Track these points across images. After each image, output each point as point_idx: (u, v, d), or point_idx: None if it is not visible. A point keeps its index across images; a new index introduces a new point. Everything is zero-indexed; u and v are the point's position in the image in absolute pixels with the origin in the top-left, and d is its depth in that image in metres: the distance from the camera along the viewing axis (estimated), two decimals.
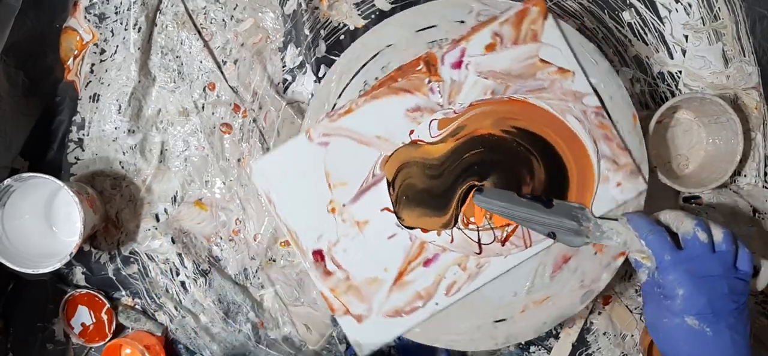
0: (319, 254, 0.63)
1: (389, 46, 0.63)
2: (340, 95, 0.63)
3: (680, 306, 0.54)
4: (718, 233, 0.56)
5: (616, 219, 0.61)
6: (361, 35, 0.64)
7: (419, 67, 0.61)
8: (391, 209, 0.62)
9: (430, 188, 0.62)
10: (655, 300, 0.57)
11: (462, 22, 0.63)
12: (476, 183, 0.62)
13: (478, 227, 0.62)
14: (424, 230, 0.62)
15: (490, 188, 0.62)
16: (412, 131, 0.62)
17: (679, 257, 0.55)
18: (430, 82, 0.61)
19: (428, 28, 0.63)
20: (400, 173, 0.62)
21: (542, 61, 0.61)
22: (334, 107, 0.63)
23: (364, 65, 0.63)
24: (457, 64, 0.61)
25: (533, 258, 0.62)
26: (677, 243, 0.57)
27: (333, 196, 0.62)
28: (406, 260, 0.62)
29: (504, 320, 0.63)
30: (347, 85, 0.63)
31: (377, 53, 0.63)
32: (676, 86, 0.72)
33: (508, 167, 0.62)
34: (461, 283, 0.62)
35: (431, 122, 0.62)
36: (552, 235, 0.61)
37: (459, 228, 0.62)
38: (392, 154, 0.62)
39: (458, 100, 0.62)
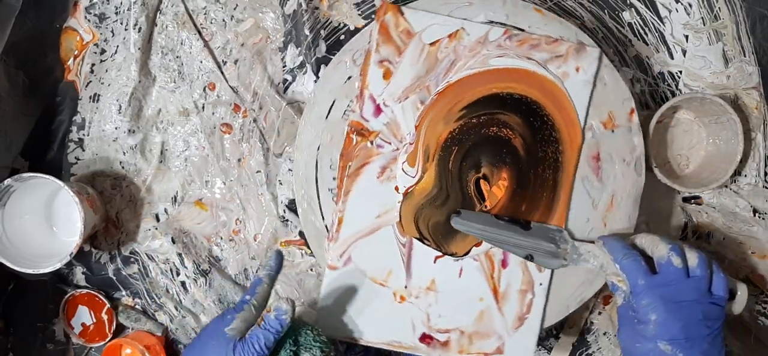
0: (426, 338, 0.64)
1: (319, 148, 0.64)
2: (322, 217, 0.64)
3: (653, 331, 0.54)
4: (692, 258, 0.56)
5: (593, 242, 0.61)
6: (293, 163, 0.66)
7: (354, 142, 0.62)
8: (441, 253, 0.63)
9: (451, 210, 0.63)
10: (629, 324, 0.57)
11: (349, 78, 0.64)
12: (477, 175, 0.63)
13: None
14: (478, 245, 0.63)
15: (466, 212, 0.62)
16: (396, 188, 0.63)
17: (653, 282, 0.55)
18: (372, 143, 0.62)
19: (331, 107, 0.64)
20: (420, 224, 0.63)
21: (431, 44, 0.62)
22: (327, 230, 0.64)
23: (316, 181, 0.64)
24: (377, 110, 0.62)
25: (576, 181, 0.63)
26: (652, 268, 0.56)
27: (392, 289, 0.63)
28: (489, 278, 0.63)
29: None
30: (320, 206, 0.64)
31: (316, 162, 0.64)
32: (677, 86, 0.72)
33: (487, 140, 0.62)
34: None
35: (402, 166, 0.62)
36: (529, 257, 0.62)
37: (498, 217, 0.63)
38: (400, 217, 0.63)
39: (404, 133, 0.62)
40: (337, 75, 0.64)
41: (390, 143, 0.62)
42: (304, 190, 0.65)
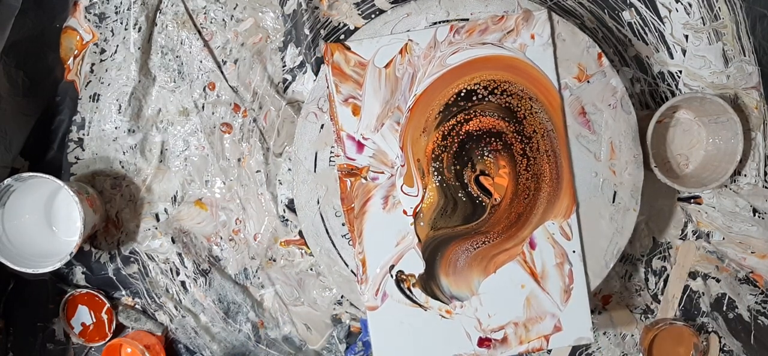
0: (484, 342, 0.64)
1: (319, 202, 0.65)
2: (346, 265, 0.66)
3: None
4: None
5: None
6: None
7: (349, 184, 0.63)
8: (486, 247, 0.63)
9: (463, 216, 0.63)
10: None
11: (322, 126, 0.65)
12: (475, 173, 0.63)
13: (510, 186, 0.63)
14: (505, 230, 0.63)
15: None
16: (405, 211, 0.63)
17: None
18: (366, 178, 0.63)
19: (315, 160, 0.65)
20: (440, 244, 0.63)
21: (386, 66, 0.63)
22: (355, 274, 0.65)
23: (328, 233, 0.65)
24: (359, 146, 0.63)
25: (571, 142, 0.64)
26: None
27: (435, 307, 0.64)
28: (523, 264, 0.63)
29: (616, 194, 0.64)
30: (340, 255, 0.65)
31: (321, 215, 0.65)
32: (676, 86, 0.72)
33: (472, 136, 0.63)
34: (562, 221, 0.64)
35: (402, 189, 0.63)
36: None
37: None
38: (419, 239, 0.63)
39: (392, 158, 0.63)
40: (309, 128, 0.65)
41: (383, 173, 0.63)
42: (319, 246, 0.66)
